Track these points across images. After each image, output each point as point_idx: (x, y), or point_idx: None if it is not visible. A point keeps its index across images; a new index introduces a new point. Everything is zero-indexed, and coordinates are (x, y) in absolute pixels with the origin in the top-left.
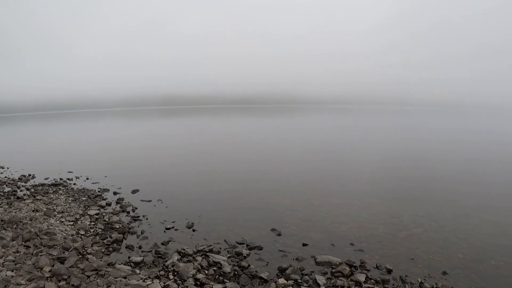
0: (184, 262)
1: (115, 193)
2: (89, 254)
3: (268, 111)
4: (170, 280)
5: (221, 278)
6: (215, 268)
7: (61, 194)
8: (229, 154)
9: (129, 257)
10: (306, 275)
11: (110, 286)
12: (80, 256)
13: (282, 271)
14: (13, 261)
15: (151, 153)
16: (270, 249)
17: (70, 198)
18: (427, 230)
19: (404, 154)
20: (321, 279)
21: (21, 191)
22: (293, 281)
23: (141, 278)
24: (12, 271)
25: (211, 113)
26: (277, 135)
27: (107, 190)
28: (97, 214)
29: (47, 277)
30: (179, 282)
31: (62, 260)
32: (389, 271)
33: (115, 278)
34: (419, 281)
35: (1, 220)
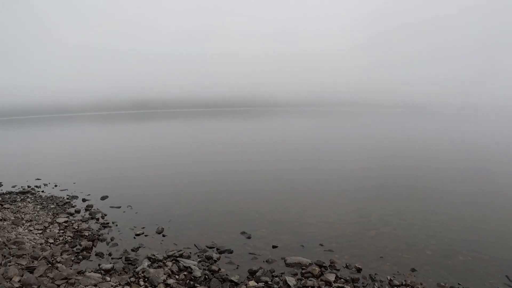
0: (154, 268)
1: (84, 200)
2: (58, 262)
3: (239, 115)
4: (140, 286)
5: (191, 282)
6: (185, 273)
7: (29, 202)
8: (198, 158)
9: (99, 265)
10: (276, 276)
11: None
12: (50, 265)
13: (252, 274)
14: None
15: (120, 158)
16: (240, 252)
17: (39, 206)
18: (396, 229)
19: (372, 154)
20: (291, 280)
21: None
22: (263, 283)
23: (112, 286)
24: None
25: (182, 117)
26: (247, 138)
27: (76, 197)
28: (66, 221)
29: (17, 287)
30: None
31: (31, 270)
32: (359, 270)
33: (85, 286)
34: (388, 279)
35: None
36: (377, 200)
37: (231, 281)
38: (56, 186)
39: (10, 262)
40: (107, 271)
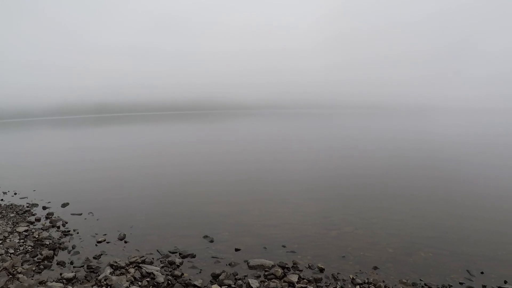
0: (117, 275)
1: (44, 208)
2: (19, 273)
3: (203, 117)
4: None
5: None
6: (148, 279)
7: None
8: (160, 163)
9: (61, 274)
10: (239, 279)
11: None
12: (11, 276)
13: (215, 277)
14: None
15: (80, 164)
16: (203, 256)
17: None
18: (358, 228)
19: (333, 155)
20: (254, 283)
21: None
22: (226, 286)
23: None
24: None
25: (144, 120)
26: (209, 142)
27: (36, 205)
28: (26, 230)
29: None
30: None
31: None
32: (322, 270)
33: None
34: (351, 278)
35: None
36: (339, 200)
37: (194, 285)
38: (15, 194)
39: None
40: (69, 280)
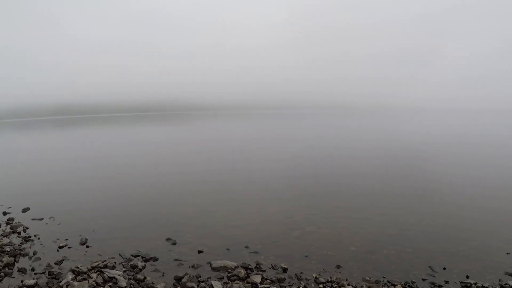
0: (78, 281)
1: (4, 213)
2: None
3: (165, 119)
4: None
5: None
6: (110, 284)
7: None
8: (123, 165)
9: (22, 281)
10: (202, 281)
11: None
12: None
13: (178, 280)
14: None
15: (41, 168)
16: (166, 259)
17: None
18: (321, 228)
19: (295, 155)
20: (217, 284)
21: None
22: None
23: None
24: None
25: (106, 122)
26: (171, 144)
27: None
28: None
29: None
30: None
31: None
32: (285, 270)
33: None
34: (314, 277)
35: None
36: (302, 199)
37: None
38: None
39: None
40: (31, 287)
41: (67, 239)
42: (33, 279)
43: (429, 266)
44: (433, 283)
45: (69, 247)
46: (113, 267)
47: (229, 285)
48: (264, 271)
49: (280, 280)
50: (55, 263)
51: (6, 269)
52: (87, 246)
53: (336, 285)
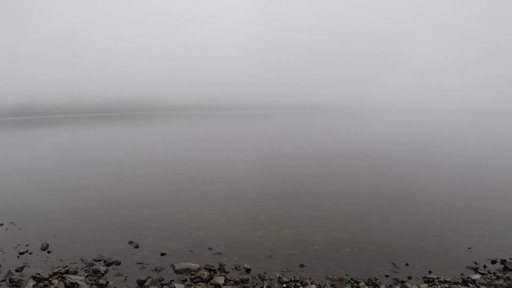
0: None
1: None
2: None
3: (127, 119)
4: None
5: None
6: None
7: None
8: (85, 166)
9: None
10: (165, 285)
11: None
12: None
13: (141, 284)
14: None
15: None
16: (128, 262)
17: None
18: (284, 227)
19: (257, 154)
20: (180, 287)
21: None
22: None
23: None
24: None
25: (67, 123)
26: (134, 145)
27: None
28: None
29: None
30: None
31: None
32: (248, 271)
33: None
34: (278, 276)
35: None
36: (265, 199)
37: None
38: None
39: None
40: None
41: (27, 245)
42: None
43: (392, 263)
44: (396, 279)
45: (30, 253)
46: (75, 273)
47: (192, 287)
48: (228, 272)
49: (244, 281)
50: (16, 270)
51: None
52: (49, 252)
53: (299, 284)
